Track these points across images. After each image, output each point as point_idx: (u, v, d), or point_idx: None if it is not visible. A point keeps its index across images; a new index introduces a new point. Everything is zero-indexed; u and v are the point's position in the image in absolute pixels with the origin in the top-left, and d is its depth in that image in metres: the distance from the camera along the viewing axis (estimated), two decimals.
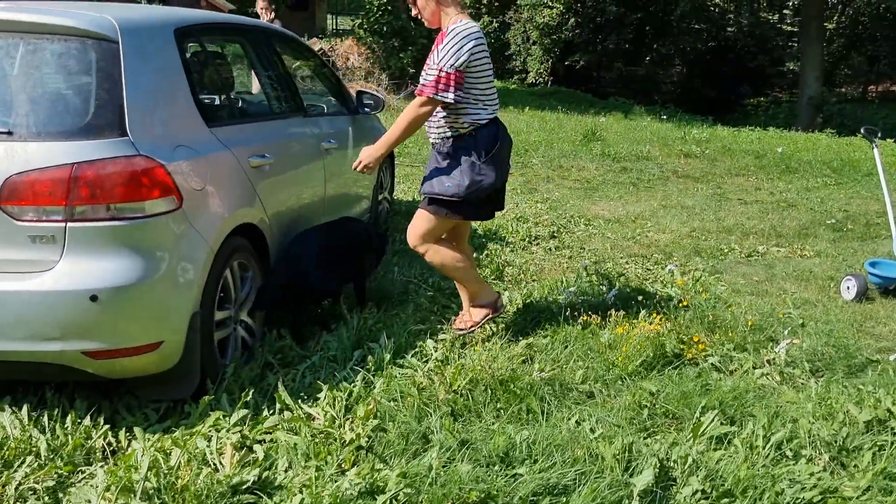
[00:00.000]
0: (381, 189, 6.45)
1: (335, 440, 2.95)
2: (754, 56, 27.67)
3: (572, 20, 25.09)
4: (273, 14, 9.13)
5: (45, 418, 3.05)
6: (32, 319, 2.81)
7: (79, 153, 2.83)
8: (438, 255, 3.86)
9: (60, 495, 2.66)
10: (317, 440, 2.97)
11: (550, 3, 25.09)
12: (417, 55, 17.45)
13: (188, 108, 3.37)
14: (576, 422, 3.16)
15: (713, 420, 3.18)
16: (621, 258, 6.04)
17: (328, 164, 4.80)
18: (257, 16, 9.13)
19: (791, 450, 3.03)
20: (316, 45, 18.28)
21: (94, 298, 2.82)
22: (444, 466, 2.74)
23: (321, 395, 3.29)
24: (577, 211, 7.77)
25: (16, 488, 2.65)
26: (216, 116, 3.67)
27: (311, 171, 4.57)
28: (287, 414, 3.16)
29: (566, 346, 3.91)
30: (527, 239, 6.46)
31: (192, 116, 3.39)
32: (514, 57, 27.22)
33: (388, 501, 2.49)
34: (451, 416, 3.15)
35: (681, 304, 4.56)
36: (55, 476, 2.74)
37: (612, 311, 4.31)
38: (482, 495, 2.57)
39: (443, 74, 3.52)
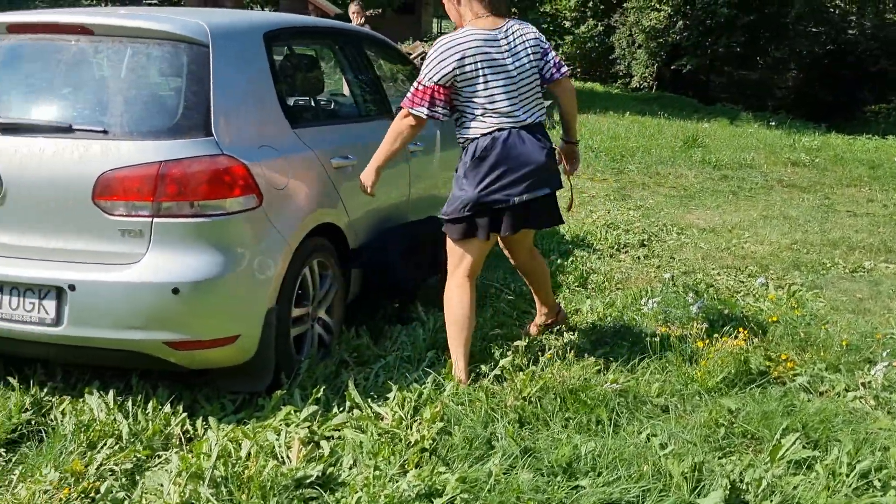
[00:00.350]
0: None
1: (401, 441, 2.98)
2: (877, 60, 26.30)
3: (680, 23, 24.51)
4: (363, 19, 9.33)
5: (129, 404, 3.21)
6: (119, 309, 2.96)
7: (166, 152, 2.96)
8: (448, 302, 3.60)
9: (137, 477, 2.79)
10: (383, 440, 3.00)
11: (658, 6, 24.58)
12: None
13: (273, 110, 3.48)
14: (646, 436, 3.07)
15: (794, 443, 3.03)
16: (713, 269, 5.84)
17: (413, 166, 4.85)
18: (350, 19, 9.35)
19: (879, 480, 2.85)
20: (418, 48, 18.50)
21: (175, 291, 2.94)
22: (504, 473, 2.72)
23: (391, 395, 3.32)
24: (671, 219, 7.57)
25: (97, 468, 2.79)
26: (301, 118, 3.77)
27: (396, 174, 4.61)
28: (356, 412, 3.21)
29: (644, 358, 3.81)
30: (615, 246, 6.34)
31: (277, 118, 3.49)
32: (618, 61, 26.84)
33: None
34: (517, 423, 3.12)
35: (771, 320, 4.37)
36: (134, 459, 2.88)
37: (696, 324, 4.17)
38: None
39: (420, 88, 3.38)
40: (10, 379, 3.38)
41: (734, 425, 3.24)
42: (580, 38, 28.13)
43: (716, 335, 4.03)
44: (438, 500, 2.52)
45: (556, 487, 2.66)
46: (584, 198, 8.48)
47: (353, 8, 9.42)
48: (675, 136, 13.30)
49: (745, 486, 2.76)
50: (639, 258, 6.09)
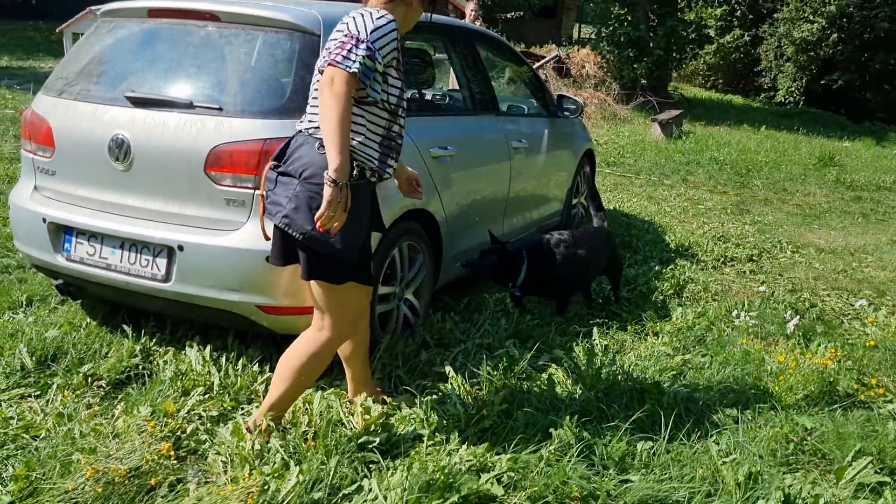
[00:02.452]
0: (576, 193, 6.50)
1: (462, 419, 3.10)
2: None
3: (834, 36, 23.20)
4: (479, 21, 9.51)
5: (223, 359, 3.50)
6: (219, 270, 3.24)
7: (271, 130, 3.21)
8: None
9: (221, 424, 3.05)
10: (447, 416, 3.14)
11: (811, 17, 23.38)
12: (652, 66, 17.11)
13: None
14: (708, 443, 3.06)
15: (865, 466, 2.94)
16: (822, 290, 5.63)
17: (516, 162, 4.96)
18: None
19: None
20: (553, 51, 18.53)
21: (269, 259, 3.19)
22: (556, 460, 2.80)
23: (463, 377, 3.45)
24: (788, 237, 7.31)
25: (187, 411, 3.08)
26: None
27: (496, 168, 4.75)
28: (427, 389, 3.36)
29: (724, 368, 3.77)
30: (721, 259, 6.21)
31: None
32: (763, 73, 25.72)
33: (491, 480, 2.60)
34: (579, 415, 3.18)
35: (869, 344, 4.20)
36: (220, 408, 3.15)
37: (787, 341, 4.08)
38: (584, 493, 2.60)
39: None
40: (125, 327, 3.76)
41: (805, 443, 3.17)
42: (724, 49, 27.18)
43: (807, 353, 3.92)
44: (485, 476, 2.63)
45: (605, 479, 2.72)
46: (699, 209, 8.32)
47: (470, 6, 9.63)
48: (811, 153, 12.73)
49: (801, 502, 2.71)
50: (744, 272, 5.94)
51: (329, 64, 2.49)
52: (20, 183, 3.91)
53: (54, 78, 3.81)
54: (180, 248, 3.28)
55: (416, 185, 3.23)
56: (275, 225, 2.69)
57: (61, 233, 3.60)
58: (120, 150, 3.38)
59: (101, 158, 3.43)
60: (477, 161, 4.49)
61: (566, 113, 5.89)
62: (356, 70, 2.48)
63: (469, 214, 4.42)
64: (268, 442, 2.81)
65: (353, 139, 2.60)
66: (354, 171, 2.62)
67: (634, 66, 17.17)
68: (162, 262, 3.35)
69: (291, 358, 2.87)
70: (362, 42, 2.52)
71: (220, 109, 3.28)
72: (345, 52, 2.50)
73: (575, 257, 4.42)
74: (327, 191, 2.47)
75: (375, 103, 2.66)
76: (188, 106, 3.32)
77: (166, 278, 3.35)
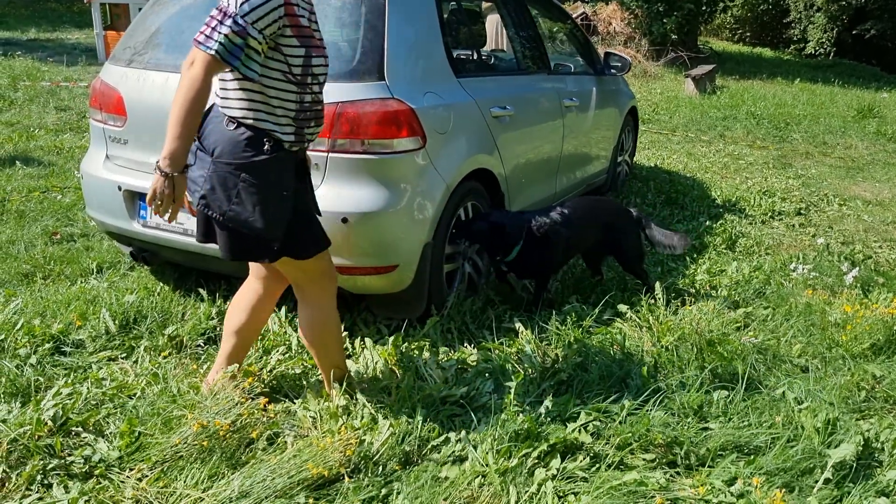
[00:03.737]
0: (621, 151, 6.51)
1: (538, 372, 3.18)
2: None
3: None
4: None
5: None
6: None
7: (343, 93, 3.26)
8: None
9: (303, 381, 3.15)
10: (523, 370, 3.22)
11: None
12: (682, 21, 16.84)
13: (440, 60, 3.71)
14: (781, 392, 3.12)
15: None
16: (874, 241, 5.62)
17: (568, 121, 4.98)
18: None
19: None
20: (578, 8, 18.29)
21: (344, 220, 3.26)
22: (636, 409, 2.87)
23: (531, 332, 3.53)
24: (834, 190, 7.27)
25: (270, 370, 3.18)
26: (464, 68, 3.99)
27: (550, 126, 4.77)
28: (499, 344, 3.44)
29: (788, 320, 3.81)
30: (769, 213, 6.21)
31: (443, 67, 3.72)
32: (792, 25, 25.23)
33: (578, 429, 2.68)
34: (653, 367, 3.25)
35: None
36: (301, 366, 3.25)
37: (847, 291, 4.10)
38: (668, 440, 2.68)
39: None
40: (200, 291, 3.86)
41: (876, 390, 3.22)
42: (752, 1, 26.69)
43: (867, 302, 3.95)
44: (572, 425, 2.71)
45: (685, 427, 2.79)
46: (740, 164, 8.28)
47: None
48: (849, 105, 12.55)
49: (879, 445, 2.77)
50: (793, 226, 5.94)
51: (194, 42, 2.30)
52: (91, 152, 4.00)
53: (121, 48, 3.87)
54: None
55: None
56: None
57: (136, 200, 3.70)
58: None
59: None
60: (533, 120, 4.52)
61: (612, 70, 5.87)
62: (215, 52, 2.26)
63: (526, 173, 4.45)
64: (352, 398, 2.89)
65: (256, 115, 2.42)
66: (266, 146, 2.43)
67: (664, 20, 16.91)
68: None
69: (305, 336, 2.87)
70: (228, 17, 2.27)
71: None
72: (208, 31, 2.29)
73: (562, 235, 3.95)
74: (153, 179, 2.30)
75: (277, 76, 2.41)
76: None
77: None
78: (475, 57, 4.35)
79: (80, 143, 7.37)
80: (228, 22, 2.27)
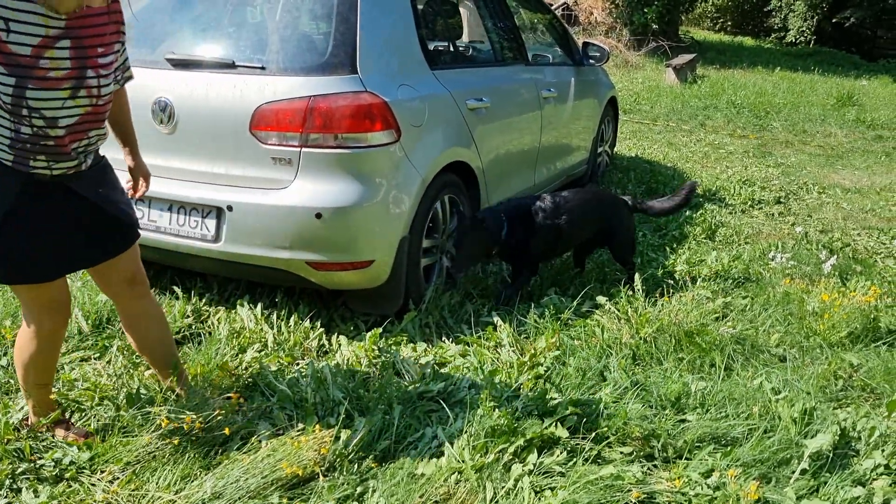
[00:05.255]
0: (601, 142, 6.49)
1: (516, 366, 3.16)
2: None
3: None
4: None
5: (274, 317, 3.56)
6: (269, 229, 3.28)
7: (315, 87, 3.22)
8: None
9: (280, 379, 3.11)
10: (499, 365, 3.20)
11: None
12: (663, 10, 16.85)
13: (414, 52, 3.68)
14: (759, 382, 3.12)
15: None
16: (853, 229, 5.65)
17: (546, 112, 4.96)
18: None
19: None
20: None
21: (318, 216, 3.23)
22: (614, 402, 2.86)
23: (510, 326, 3.51)
24: (813, 178, 7.30)
25: (245, 368, 3.15)
26: (439, 60, 3.96)
27: (528, 118, 4.74)
28: (477, 338, 3.42)
29: (766, 309, 3.81)
30: (749, 202, 6.22)
31: (417, 59, 3.69)
32: (773, 13, 25.31)
33: (555, 423, 2.66)
34: (631, 360, 3.24)
35: None
36: (277, 364, 3.21)
37: (825, 280, 4.11)
38: (645, 433, 2.67)
39: None
40: (175, 289, 3.81)
41: (853, 379, 3.23)
42: None
43: (846, 291, 3.96)
44: (548, 420, 2.69)
45: (663, 419, 2.78)
46: (721, 154, 8.29)
47: None
48: (829, 93, 12.61)
49: (856, 434, 2.77)
50: (773, 215, 5.96)
51: None
52: None
53: None
54: (229, 208, 3.32)
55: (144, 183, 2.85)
56: None
57: None
58: (164, 112, 3.40)
59: (145, 122, 3.43)
60: (510, 112, 4.49)
61: (591, 61, 5.85)
62: None
63: (504, 165, 4.43)
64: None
65: None
66: None
67: (644, 10, 16.91)
68: (211, 222, 3.39)
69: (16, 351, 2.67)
70: None
71: (262, 69, 3.29)
72: None
73: (553, 224, 3.93)
74: None
75: None
76: (230, 66, 3.33)
77: (216, 238, 3.39)
78: (450, 48, 4.32)
79: None
80: None
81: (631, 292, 3.79)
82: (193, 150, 3.41)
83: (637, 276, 3.84)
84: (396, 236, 3.44)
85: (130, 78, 2.59)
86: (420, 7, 3.84)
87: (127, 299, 2.74)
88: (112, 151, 2.63)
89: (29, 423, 2.72)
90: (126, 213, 2.58)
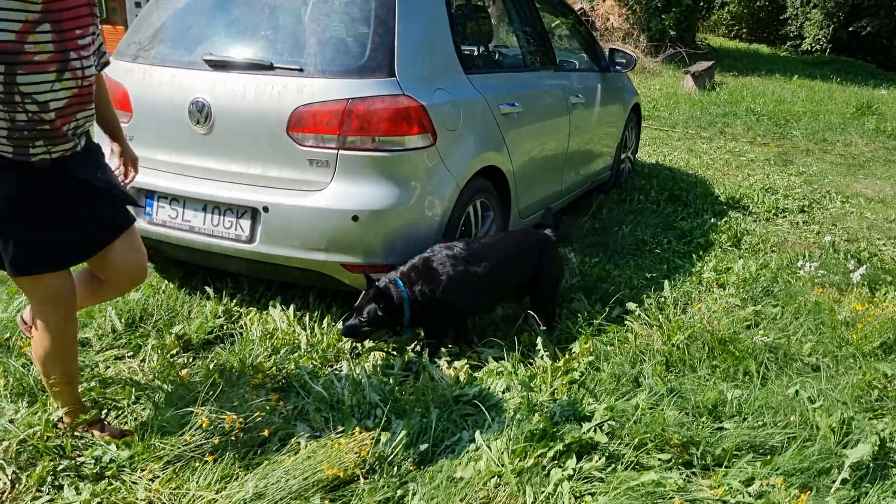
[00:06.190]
0: (624, 148, 6.49)
1: (550, 371, 3.16)
2: None
3: None
4: None
5: (307, 318, 3.57)
6: (305, 231, 3.29)
7: (353, 89, 3.23)
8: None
9: (315, 381, 3.12)
10: (534, 369, 3.20)
11: None
12: (680, 17, 16.81)
13: (449, 56, 3.68)
14: (794, 391, 3.11)
15: None
16: (878, 239, 5.61)
17: (574, 118, 4.96)
18: None
19: None
20: (576, 4, 18.25)
21: (355, 218, 3.24)
22: (650, 408, 2.86)
23: (537, 330, 3.51)
24: (835, 187, 7.27)
25: (279, 368, 3.16)
26: (473, 64, 3.96)
27: (557, 124, 4.74)
28: (510, 342, 3.42)
29: (797, 318, 3.80)
30: (773, 210, 6.20)
31: (452, 63, 3.69)
32: (789, 21, 25.22)
33: (593, 429, 2.66)
34: (664, 366, 3.24)
35: None
36: (311, 366, 3.22)
37: (855, 290, 4.09)
38: (684, 440, 2.66)
39: None
40: (207, 289, 3.83)
41: (888, 389, 3.21)
42: None
43: (877, 301, 3.94)
44: (587, 424, 2.69)
45: (699, 426, 2.78)
46: (742, 161, 8.27)
47: None
48: (847, 102, 12.56)
49: (895, 445, 2.76)
50: (797, 223, 5.93)
51: None
52: None
53: (126, 43, 3.83)
54: (265, 209, 3.33)
55: (132, 167, 2.92)
56: None
57: (142, 196, 3.66)
58: (201, 113, 3.42)
59: (182, 123, 3.46)
60: (540, 117, 4.49)
61: (617, 67, 5.85)
62: None
63: (533, 171, 4.43)
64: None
65: None
66: None
67: (662, 16, 16.86)
68: (246, 223, 3.40)
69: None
70: None
71: (300, 70, 3.30)
72: None
73: (468, 276, 3.28)
74: None
75: None
76: (268, 68, 3.34)
77: (250, 239, 3.40)
78: (483, 53, 4.32)
79: None
80: None
81: (662, 298, 3.78)
82: (229, 150, 3.43)
83: (666, 283, 3.83)
84: (431, 240, 3.44)
85: (107, 63, 2.65)
86: (454, 11, 3.84)
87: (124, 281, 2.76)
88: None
89: (64, 423, 2.73)
90: (123, 194, 2.65)
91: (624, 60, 5.85)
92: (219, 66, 3.44)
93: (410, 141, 3.30)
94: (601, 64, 5.74)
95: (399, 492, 2.47)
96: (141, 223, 3.65)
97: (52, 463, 2.53)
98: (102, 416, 2.83)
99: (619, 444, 2.67)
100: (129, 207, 2.71)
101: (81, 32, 2.35)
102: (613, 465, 2.58)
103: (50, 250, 2.43)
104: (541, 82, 4.69)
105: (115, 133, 2.83)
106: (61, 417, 2.74)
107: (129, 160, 2.90)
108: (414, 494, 2.46)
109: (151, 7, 3.90)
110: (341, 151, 3.24)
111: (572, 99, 4.94)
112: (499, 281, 3.44)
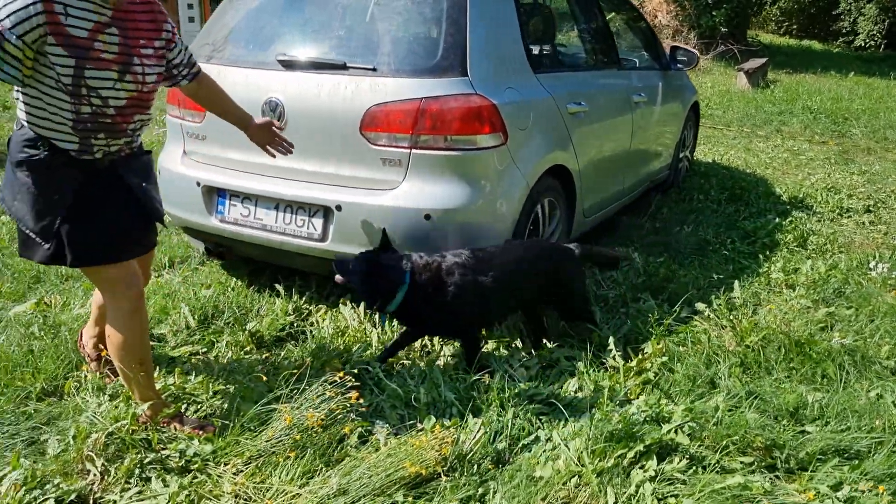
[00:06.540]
0: (682, 147, 6.41)
1: (621, 372, 3.14)
2: None
3: None
4: None
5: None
6: (378, 230, 3.30)
7: (427, 89, 3.24)
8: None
9: (390, 378, 3.14)
10: (605, 369, 3.18)
11: None
12: (732, 13, 16.55)
13: (518, 55, 3.68)
14: (876, 395, 3.04)
15: None
16: None
17: (636, 117, 4.91)
18: None
19: None
20: None
21: (427, 217, 3.25)
22: (729, 411, 2.82)
23: (608, 329, 3.48)
24: None
25: (352, 365, 3.18)
26: (540, 64, 3.95)
27: (621, 123, 4.71)
28: (582, 341, 3.41)
29: (873, 320, 3.72)
30: (837, 210, 6.06)
31: (521, 63, 3.69)
32: (842, 17, 24.66)
33: (674, 430, 2.64)
34: (739, 367, 3.19)
35: None
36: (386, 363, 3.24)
37: None
38: (767, 443, 2.62)
39: None
40: (277, 286, 3.88)
41: None
42: None
43: None
44: (667, 426, 2.66)
45: (782, 430, 2.73)
46: (801, 160, 8.12)
47: None
48: None
49: None
50: (863, 224, 5.80)
51: None
52: (168, 148, 4.03)
53: (199, 44, 3.89)
54: (338, 207, 3.36)
55: (275, 136, 3.14)
56: None
57: (214, 195, 3.72)
58: (274, 113, 3.46)
59: None
60: (606, 116, 4.47)
61: (679, 65, 5.78)
62: None
63: (597, 170, 4.40)
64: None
65: (34, 120, 2.45)
66: (41, 149, 2.47)
67: (713, 12, 16.62)
68: (318, 221, 3.44)
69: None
70: None
71: (373, 70, 3.32)
72: None
73: (477, 285, 3.09)
74: None
75: (51, 84, 2.38)
76: (342, 67, 3.37)
77: (323, 237, 3.43)
78: (550, 52, 4.31)
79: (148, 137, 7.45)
80: None
81: (729, 299, 3.72)
82: (302, 149, 3.45)
83: (737, 283, 3.77)
84: (501, 239, 3.43)
85: (198, 72, 2.87)
86: (522, 10, 3.83)
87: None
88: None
89: (146, 415, 2.79)
90: (157, 211, 2.80)
91: (686, 58, 5.78)
92: (292, 65, 3.48)
93: (482, 140, 3.30)
94: (662, 61, 5.68)
95: (480, 490, 2.47)
96: (212, 221, 3.72)
97: (138, 456, 2.58)
98: (182, 412, 2.89)
99: (700, 446, 2.64)
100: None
101: (145, 43, 2.56)
102: (695, 468, 2.55)
103: (108, 243, 2.60)
104: (605, 81, 4.66)
105: (241, 121, 3.07)
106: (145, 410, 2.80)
107: (267, 131, 3.11)
108: (494, 493, 2.47)
109: (224, 8, 3.96)
110: (414, 151, 3.25)
111: (635, 98, 4.90)
112: (506, 292, 3.20)
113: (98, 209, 2.57)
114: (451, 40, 3.34)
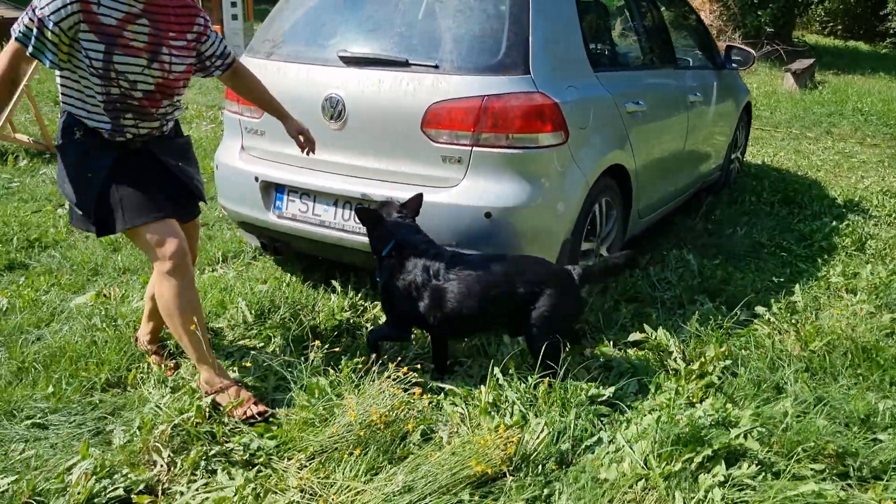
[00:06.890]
0: (734, 148, 6.32)
1: (682, 375, 3.09)
2: None
3: None
4: None
5: None
6: (437, 227, 3.29)
7: (489, 86, 3.22)
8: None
9: (448, 377, 3.13)
10: (665, 371, 3.14)
11: None
12: (778, 13, 16.28)
13: (579, 54, 3.65)
14: None
15: None
16: None
17: (692, 116, 4.85)
18: None
19: None
20: None
21: (487, 215, 3.23)
22: (798, 417, 2.76)
23: (666, 331, 3.43)
24: None
25: (410, 361, 3.17)
26: (600, 62, 3.91)
27: (677, 122, 4.65)
28: (641, 344, 3.37)
29: None
30: (894, 214, 5.93)
31: (582, 61, 3.66)
32: (889, 17, 24.15)
33: (742, 435, 2.59)
34: (805, 372, 3.13)
35: None
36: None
37: None
38: (839, 450, 2.56)
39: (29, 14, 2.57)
40: (333, 282, 3.89)
41: None
42: None
43: None
44: (735, 430, 2.62)
45: (853, 437, 2.67)
46: (853, 163, 7.96)
47: None
48: None
49: None
50: None
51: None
52: (225, 143, 4.07)
53: (259, 40, 3.92)
54: None
55: (307, 139, 3.34)
56: None
57: (272, 191, 3.74)
58: (334, 109, 3.47)
59: (315, 118, 3.52)
60: (662, 116, 4.42)
61: (734, 65, 5.70)
62: (17, 37, 2.55)
63: (653, 170, 4.35)
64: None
65: (71, 103, 2.71)
66: (77, 132, 2.73)
67: (758, 12, 16.37)
68: None
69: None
70: (31, 8, 2.55)
71: (436, 67, 3.31)
72: (22, 17, 2.57)
73: (417, 286, 2.99)
74: None
75: (83, 67, 2.62)
76: (403, 64, 3.37)
77: None
78: (608, 51, 4.27)
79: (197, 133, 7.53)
80: (30, 12, 2.53)
81: (789, 302, 3.66)
82: (362, 146, 3.47)
83: (797, 287, 3.69)
84: (560, 238, 3.41)
85: (232, 63, 3.08)
86: (582, 8, 3.80)
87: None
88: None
89: (207, 391, 2.88)
90: (198, 189, 3.02)
91: (741, 58, 5.70)
92: (353, 62, 3.48)
93: (544, 139, 3.27)
94: (716, 61, 5.60)
95: (545, 490, 2.45)
96: (270, 217, 3.74)
97: (203, 448, 2.60)
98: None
99: (769, 451, 2.59)
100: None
101: (176, 35, 2.78)
102: (764, 474, 2.50)
103: (148, 202, 2.78)
104: (662, 80, 4.60)
105: (279, 114, 3.29)
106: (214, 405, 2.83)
107: (300, 132, 3.31)
108: (560, 494, 2.44)
109: (282, 5, 3.98)
110: (475, 148, 3.24)
111: (691, 97, 4.84)
112: (459, 305, 2.93)
113: (133, 178, 2.79)
114: (513, 38, 3.32)
